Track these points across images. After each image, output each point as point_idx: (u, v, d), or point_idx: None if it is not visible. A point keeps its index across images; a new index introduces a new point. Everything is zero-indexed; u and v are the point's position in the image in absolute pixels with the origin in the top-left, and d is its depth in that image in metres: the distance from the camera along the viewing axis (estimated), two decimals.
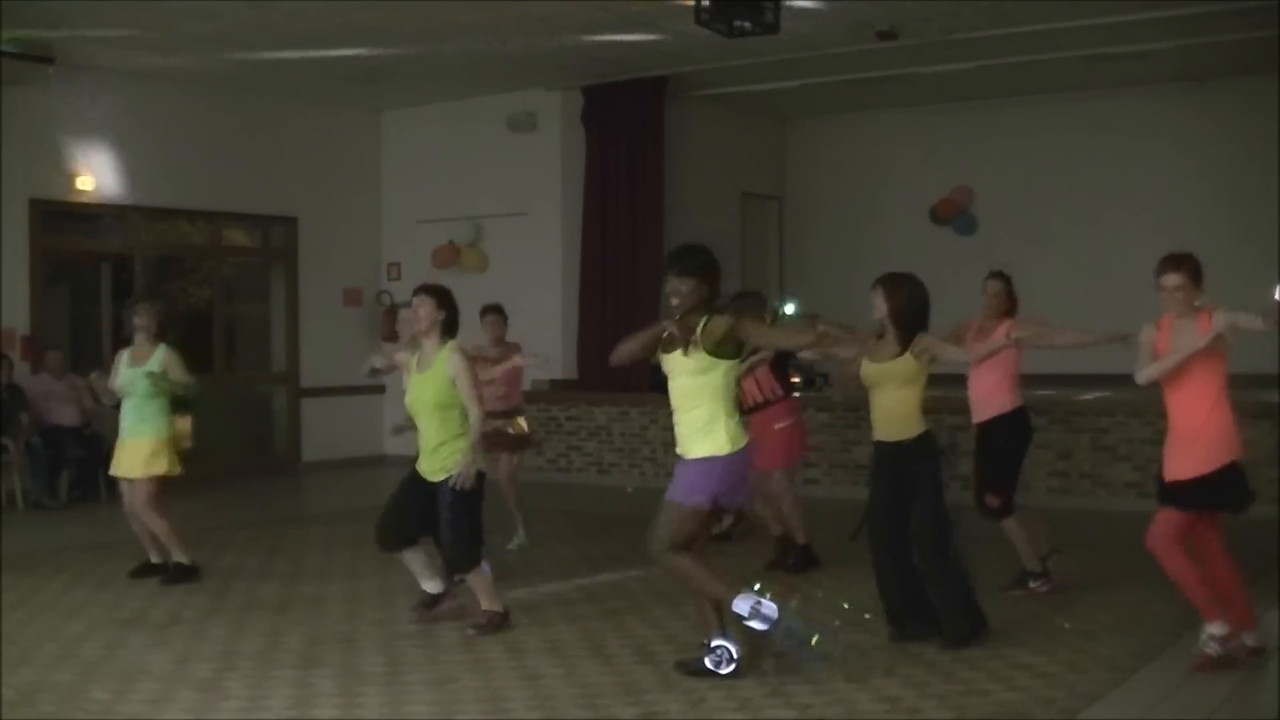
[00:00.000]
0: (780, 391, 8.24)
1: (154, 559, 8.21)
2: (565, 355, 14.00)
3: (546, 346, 11.52)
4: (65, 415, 12.01)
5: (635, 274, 13.92)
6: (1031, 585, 7.51)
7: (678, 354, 5.67)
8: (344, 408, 14.57)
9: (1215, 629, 5.76)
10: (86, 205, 12.95)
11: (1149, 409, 11.00)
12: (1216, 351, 5.74)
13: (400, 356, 6.93)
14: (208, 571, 8.35)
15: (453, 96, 14.46)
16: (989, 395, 7.52)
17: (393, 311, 14.77)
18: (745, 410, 7.49)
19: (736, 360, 5.77)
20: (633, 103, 13.93)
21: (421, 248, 14.78)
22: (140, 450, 8.02)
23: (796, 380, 13.22)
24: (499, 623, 6.64)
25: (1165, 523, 5.80)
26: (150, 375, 7.99)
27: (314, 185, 14.75)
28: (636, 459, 12.95)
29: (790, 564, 8.25)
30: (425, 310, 6.65)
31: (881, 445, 6.41)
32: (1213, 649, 5.73)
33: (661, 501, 5.73)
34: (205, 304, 14.73)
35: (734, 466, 5.66)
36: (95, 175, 12.80)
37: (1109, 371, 14.39)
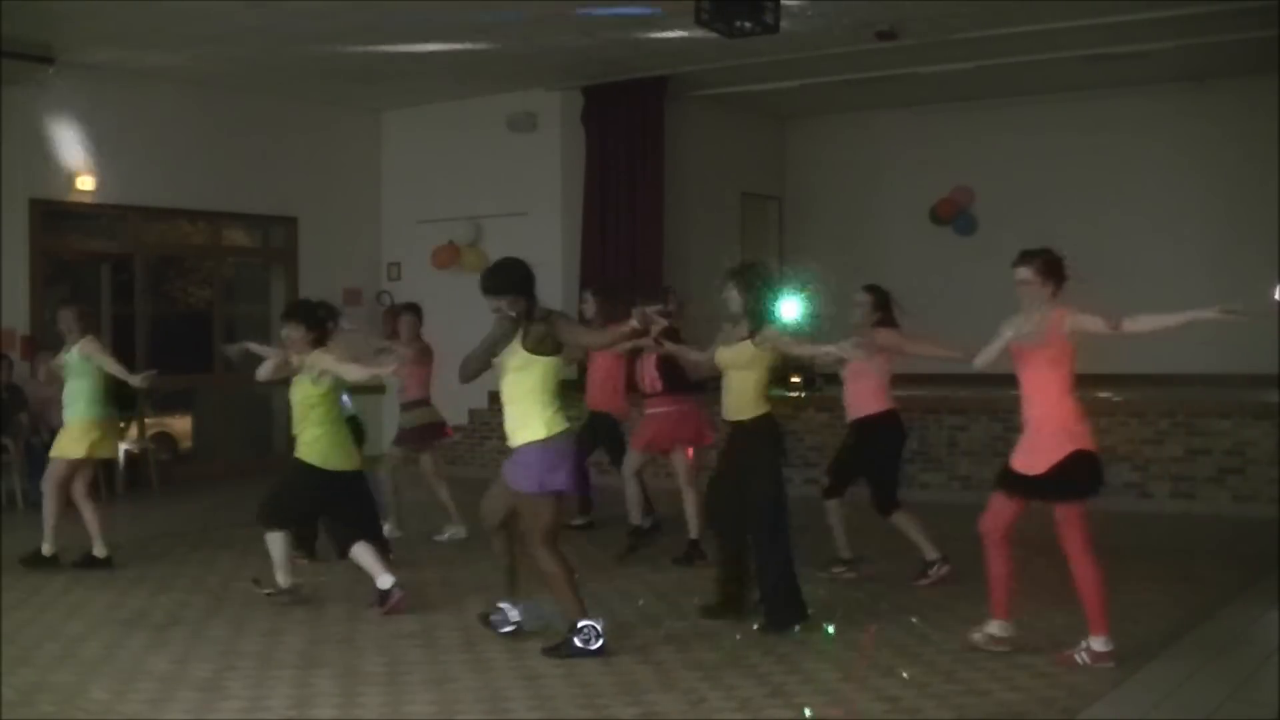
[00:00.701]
0: (660, 385, 8.59)
1: (46, 550, 8.51)
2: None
3: None
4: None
5: (635, 274, 13.90)
6: (931, 574, 7.77)
7: (504, 354, 6.21)
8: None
9: (994, 628, 6.07)
10: (86, 205, 12.95)
11: (1149, 409, 11.02)
12: (1062, 348, 5.94)
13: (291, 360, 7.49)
14: (208, 571, 8.36)
15: (453, 96, 14.46)
16: (861, 399, 7.88)
17: (393, 311, 14.73)
18: (644, 396, 8.73)
19: (556, 357, 6.24)
20: (633, 103, 13.93)
21: (421, 248, 14.78)
22: (63, 433, 8.53)
23: (795, 380, 13.32)
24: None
25: (1000, 510, 6.10)
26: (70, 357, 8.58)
27: (314, 185, 14.75)
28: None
29: (630, 546, 8.81)
30: (297, 335, 7.38)
31: (727, 424, 6.85)
32: (979, 640, 6.06)
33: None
34: (205, 304, 14.73)
35: (550, 452, 6.10)
36: (95, 175, 12.79)
37: (1109, 371, 14.46)
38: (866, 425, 7.87)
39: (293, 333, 7.38)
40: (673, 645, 6.33)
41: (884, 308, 8.01)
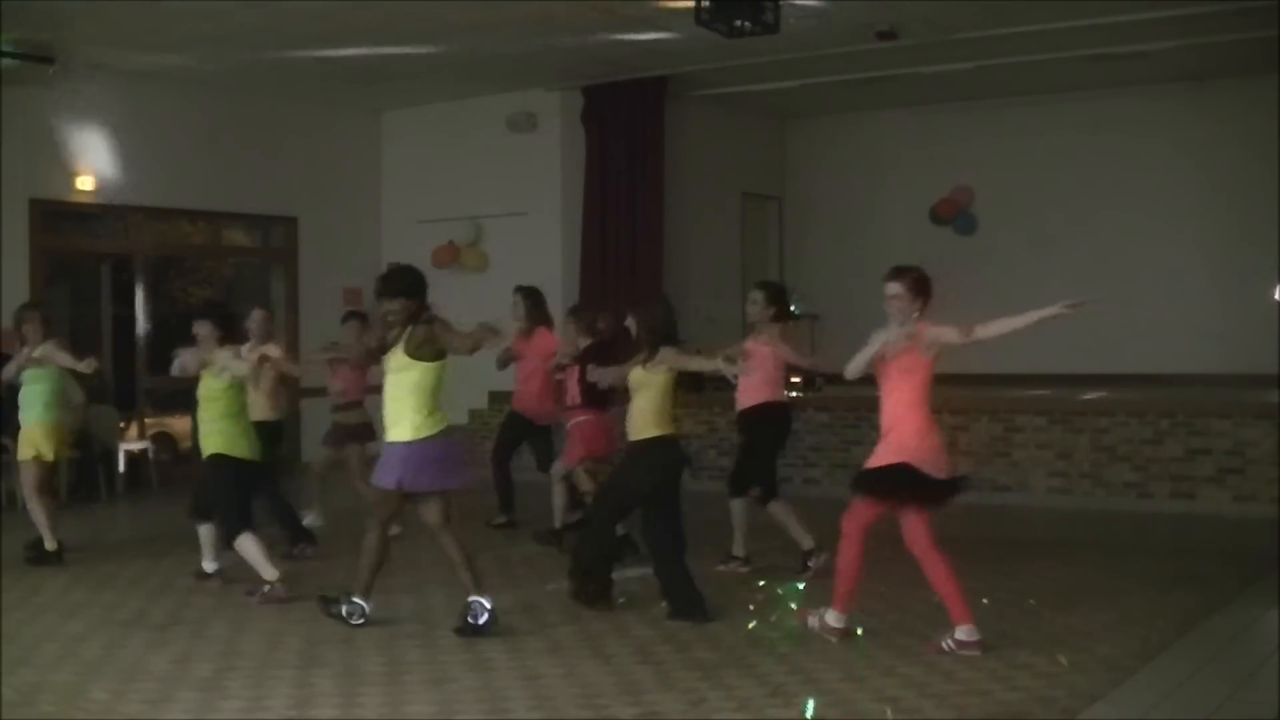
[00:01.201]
0: (579, 398, 8.91)
1: (48, 545, 8.70)
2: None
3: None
4: None
5: (635, 274, 13.91)
6: (811, 564, 8.01)
7: (389, 356, 6.67)
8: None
9: (830, 617, 6.34)
10: (86, 205, 12.94)
11: (1149, 409, 11.02)
12: (917, 360, 6.20)
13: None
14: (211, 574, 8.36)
15: (453, 96, 14.46)
16: (747, 391, 8.14)
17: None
18: (566, 408, 9.23)
19: (438, 362, 6.62)
20: (633, 103, 13.92)
21: (421, 248, 14.74)
22: (27, 436, 8.72)
23: (794, 381, 13.31)
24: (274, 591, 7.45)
25: (861, 510, 6.32)
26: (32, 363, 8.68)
27: (314, 185, 14.74)
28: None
29: (548, 536, 9.15)
30: (205, 332, 7.83)
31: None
32: (813, 626, 6.37)
33: None
34: (205, 304, 14.71)
35: (415, 453, 6.56)
36: (95, 175, 12.79)
37: (1109, 371, 14.48)
38: (745, 416, 8.21)
39: (201, 330, 7.80)
40: (672, 645, 6.33)
41: (778, 303, 8.23)
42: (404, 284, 6.73)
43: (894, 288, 6.34)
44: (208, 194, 13.78)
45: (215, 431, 7.72)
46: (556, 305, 14.10)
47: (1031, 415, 11.28)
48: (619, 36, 12.00)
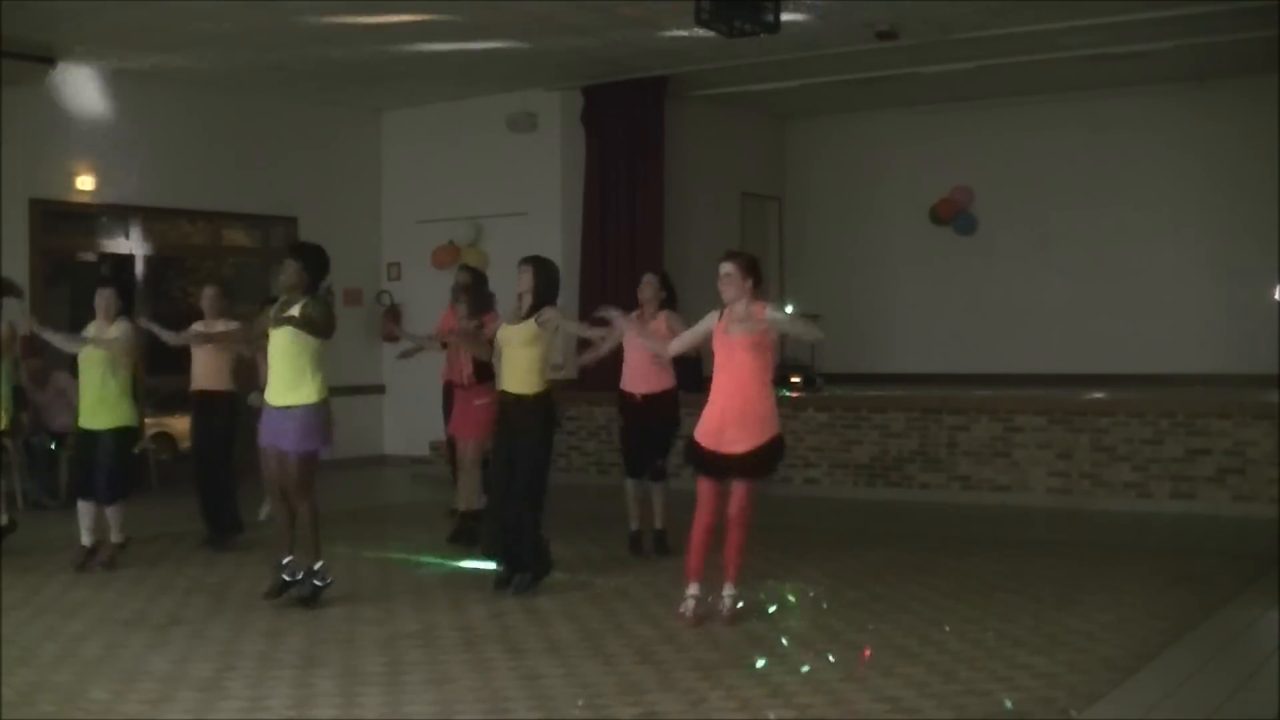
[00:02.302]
0: (472, 377, 9.39)
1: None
2: (565, 355, 13.97)
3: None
4: (56, 421, 11.97)
5: (635, 274, 13.86)
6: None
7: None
8: (343, 407, 14.42)
9: (691, 589, 6.74)
10: (86, 205, 12.95)
11: (1149, 409, 11.02)
12: (766, 337, 6.70)
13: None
14: (208, 571, 8.36)
15: (453, 96, 14.47)
16: (635, 376, 8.66)
17: (393, 311, 14.78)
18: (454, 385, 9.62)
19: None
20: (633, 103, 13.92)
21: (421, 248, 14.79)
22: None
23: (795, 380, 13.33)
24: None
25: (713, 496, 6.76)
26: None
27: (314, 185, 14.75)
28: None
29: (459, 535, 9.21)
30: (105, 302, 8.62)
31: (504, 396, 7.64)
32: (687, 606, 6.71)
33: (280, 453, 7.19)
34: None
35: (325, 413, 7.31)
36: (95, 175, 12.79)
37: (1109, 371, 14.49)
38: (652, 400, 8.65)
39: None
40: (673, 645, 6.33)
41: (668, 290, 8.88)
42: (306, 252, 7.85)
43: (725, 266, 6.81)
44: (208, 194, 13.78)
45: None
46: (557, 305, 14.15)
47: (1031, 415, 11.28)
48: (619, 36, 12.00)
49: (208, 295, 9.59)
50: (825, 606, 7.05)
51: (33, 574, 8.33)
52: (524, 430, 7.49)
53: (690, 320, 7.54)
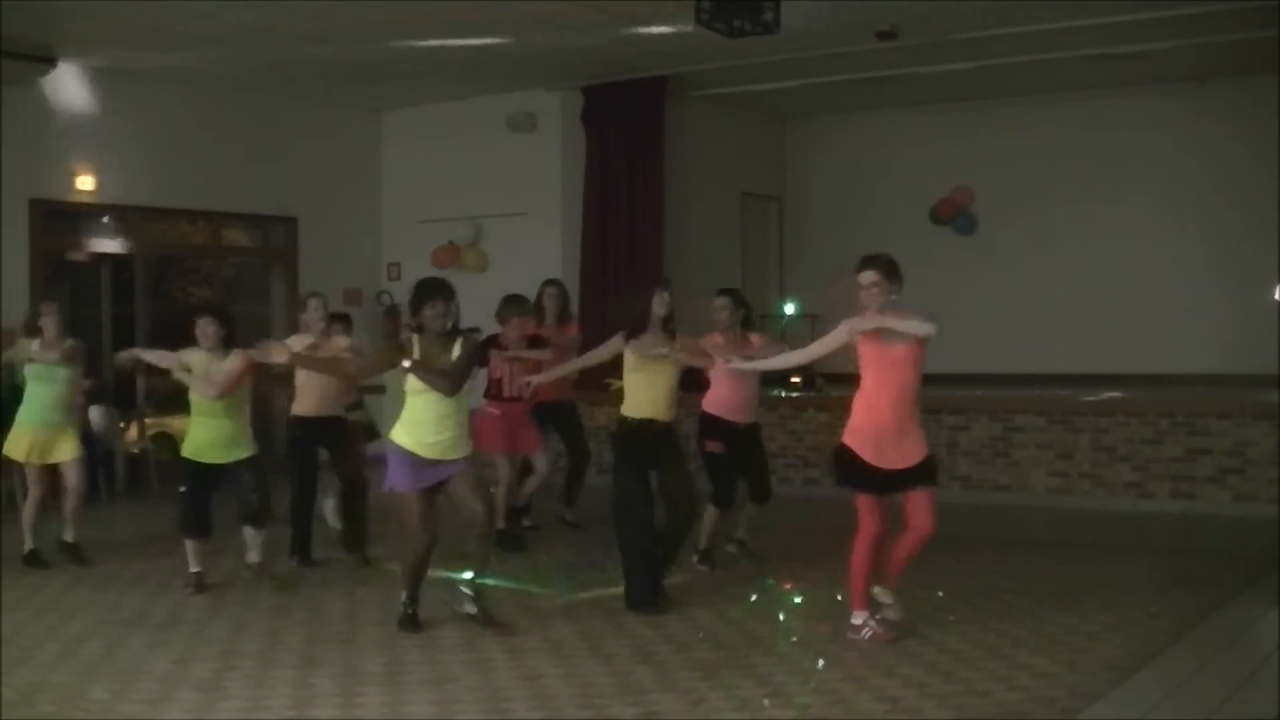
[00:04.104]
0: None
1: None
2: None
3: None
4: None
5: (635, 274, 13.90)
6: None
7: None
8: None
9: (861, 617, 6.39)
10: (86, 205, 12.94)
11: (1149, 409, 11.03)
12: (922, 355, 6.36)
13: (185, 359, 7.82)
14: (208, 571, 8.35)
15: (453, 96, 14.46)
16: (746, 402, 8.36)
17: (394, 311, 14.78)
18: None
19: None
20: (633, 103, 13.92)
21: (421, 248, 14.78)
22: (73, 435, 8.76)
23: (795, 380, 13.33)
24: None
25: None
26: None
27: (314, 185, 14.75)
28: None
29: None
30: (211, 329, 7.77)
31: (648, 425, 7.24)
32: (872, 627, 6.35)
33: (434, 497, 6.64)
34: (205, 304, 14.71)
35: None
36: (95, 175, 12.79)
37: (1109, 371, 14.49)
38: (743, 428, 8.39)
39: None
40: (672, 645, 6.33)
41: (746, 308, 8.43)
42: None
43: (871, 275, 6.34)
44: (208, 194, 13.78)
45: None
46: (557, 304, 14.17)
47: (1031, 415, 11.28)
48: (619, 36, 12.00)
49: (311, 305, 8.82)
50: (831, 606, 7.05)
51: (33, 574, 8.33)
52: (676, 461, 7.26)
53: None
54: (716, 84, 14.33)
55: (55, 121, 12.42)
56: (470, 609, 6.73)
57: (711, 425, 8.23)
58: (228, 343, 7.84)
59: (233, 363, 7.76)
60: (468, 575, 6.76)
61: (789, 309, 15.09)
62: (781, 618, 6.86)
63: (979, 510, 10.91)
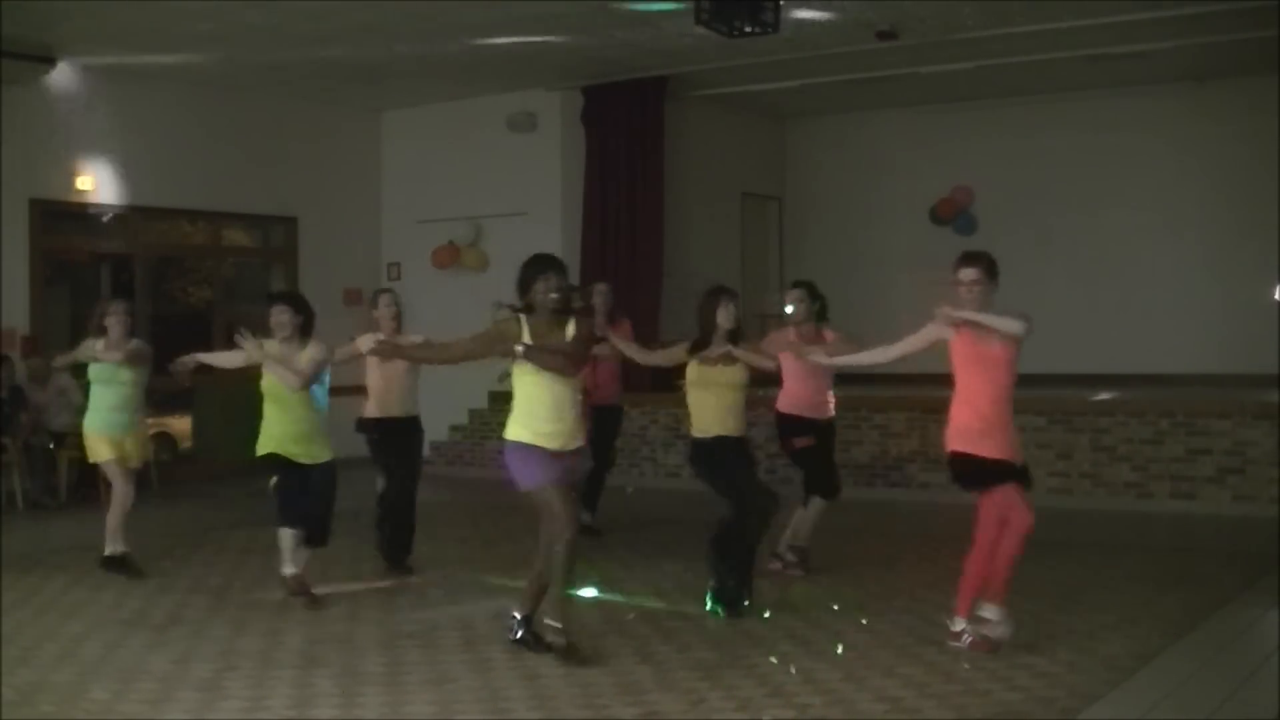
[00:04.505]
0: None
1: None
2: None
3: None
4: (55, 421, 11.97)
5: (635, 274, 13.92)
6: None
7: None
8: (344, 408, 14.50)
9: (962, 624, 6.15)
10: (86, 205, 12.95)
11: (1149, 409, 11.03)
12: (1017, 356, 6.22)
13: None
14: (208, 571, 8.37)
15: (453, 96, 14.46)
16: (825, 398, 8.17)
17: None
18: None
19: None
20: (633, 103, 13.92)
21: (421, 248, 14.78)
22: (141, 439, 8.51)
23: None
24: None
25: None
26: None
27: (314, 185, 14.75)
28: (636, 459, 12.92)
29: None
30: (286, 318, 7.28)
31: (724, 440, 7.01)
32: (977, 633, 6.10)
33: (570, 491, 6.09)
34: (205, 304, 14.73)
35: None
36: (95, 175, 12.80)
37: (1109, 371, 14.48)
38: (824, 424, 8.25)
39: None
40: (673, 645, 6.33)
41: (819, 300, 8.30)
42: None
43: (973, 272, 6.29)
44: (208, 194, 13.79)
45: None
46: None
47: (1031, 415, 11.27)
48: (619, 36, 12.00)
49: (383, 302, 8.50)
50: (832, 606, 7.05)
51: (33, 574, 8.33)
52: (750, 467, 7.10)
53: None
54: (716, 84, 14.33)
55: (55, 121, 12.42)
56: (558, 640, 6.05)
57: (792, 424, 8.02)
58: (304, 331, 7.35)
59: (316, 351, 7.30)
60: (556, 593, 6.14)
61: (789, 309, 15.06)
62: (782, 618, 6.84)
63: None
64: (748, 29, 9.69)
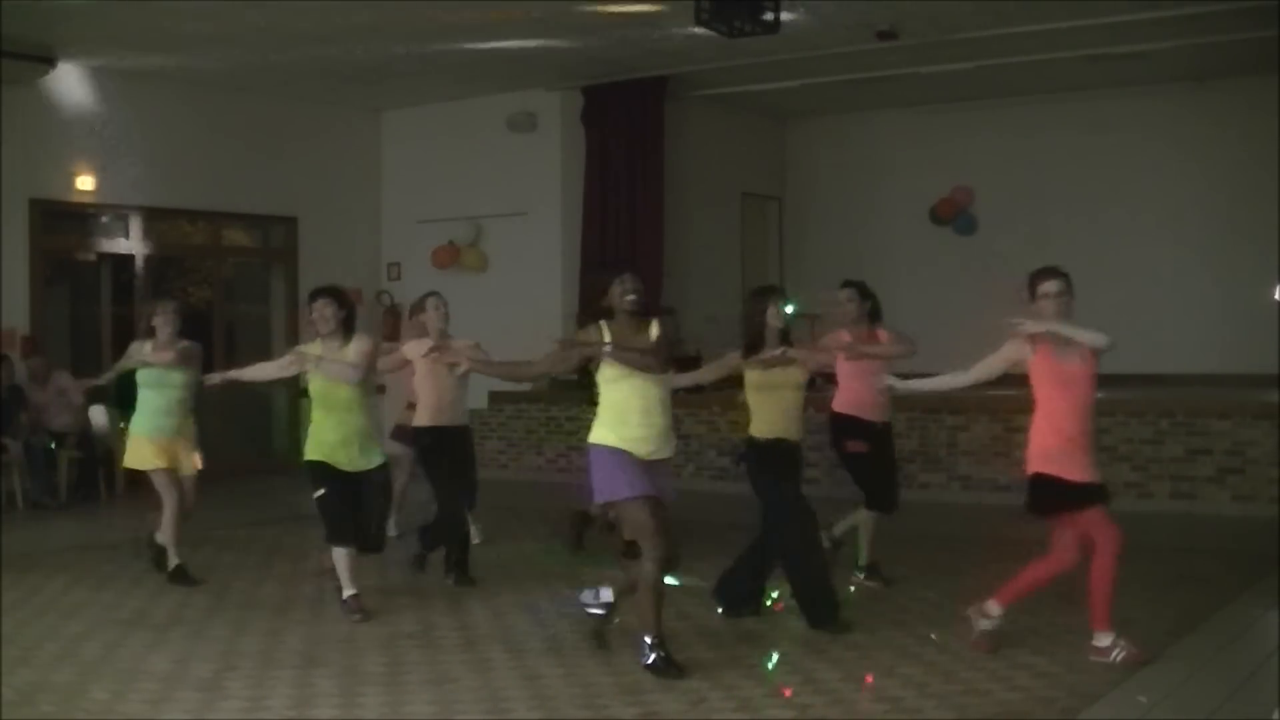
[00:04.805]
0: None
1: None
2: None
3: (547, 347, 11.50)
4: (55, 421, 11.98)
5: (635, 274, 13.88)
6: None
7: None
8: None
9: (1106, 639, 5.98)
10: (86, 205, 12.95)
11: (1149, 409, 11.02)
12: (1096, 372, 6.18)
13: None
14: (208, 571, 8.36)
15: (453, 96, 14.46)
16: (879, 400, 7.80)
17: (394, 311, 14.78)
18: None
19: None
20: (633, 103, 13.92)
21: (421, 248, 14.78)
22: (190, 444, 8.18)
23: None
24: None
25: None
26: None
27: (314, 185, 14.75)
28: None
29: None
30: (330, 312, 6.95)
31: (784, 444, 6.77)
32: (1122, 649, 5.94)
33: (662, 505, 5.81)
34: (205, 304, 14.73)
35: None
36: (95, 175, 12.80)
37: (1109, 371, 14.45)
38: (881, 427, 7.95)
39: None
40: (673, 645, 6.31)
41: (871, 299, 8.02)
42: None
43: (1058, 285, 6.21)
44: (208, 194, 13.79)
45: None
46: (555, 306, 14.18)
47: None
48: (619, 36, 12.00)
49: (430, 305, 8.21)
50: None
51: (33, 574, 8.33)
52: (799, 477, 6.88)
53: None
54: (716, 84, 14.33)
55: (55, 121, 12.43)
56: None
57: (848, 425, 7.75)
58: (347, 326, 7.01)
59: (364, 344, 6.98)
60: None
61: (789, 309, 15.06)
62: (782, 617, 6.84)
63: (979, 510, 10.90)
64: (748, 29, 9.69)
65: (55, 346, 12.91)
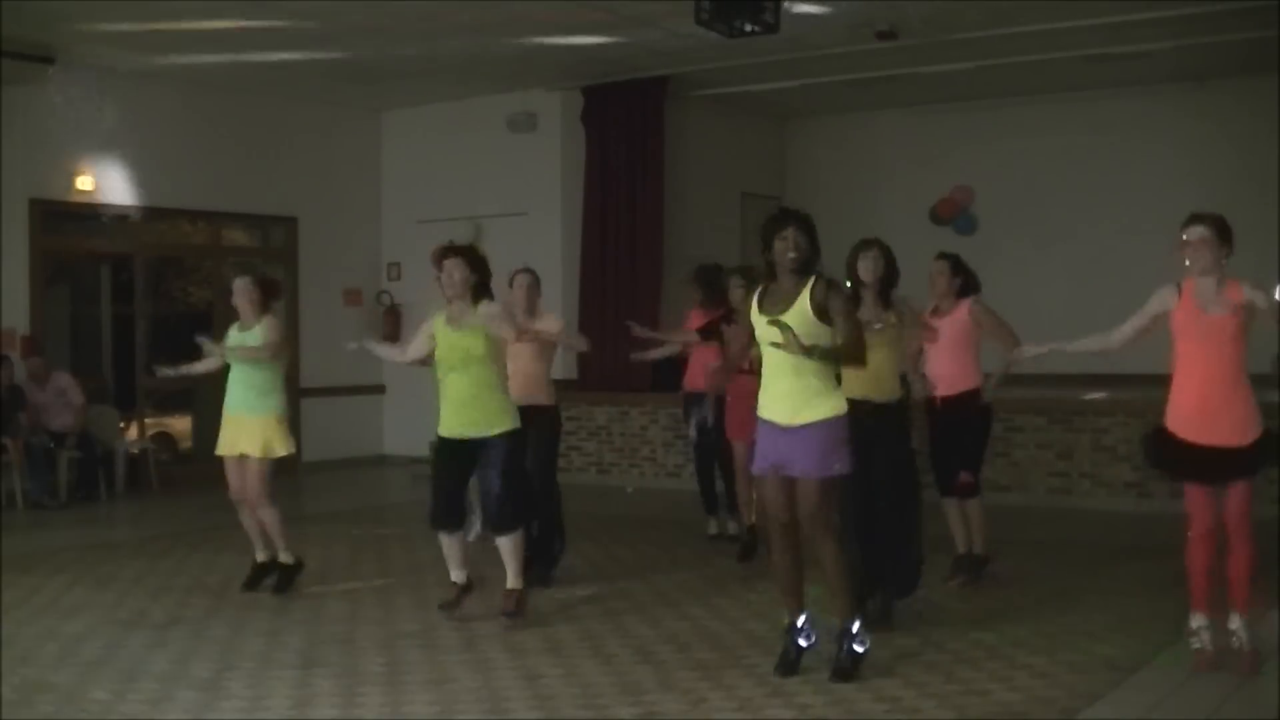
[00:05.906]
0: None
1: (261, 557, 7.69)
2: (565, 355, 13.98)
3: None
4: (55, 421, 11.98)
5: (635, 274, 13.92)
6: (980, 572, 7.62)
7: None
8: (344, 408, 14.55)
9: (1200, 619, 5.76)
10: (86, 205, 12.95)
11: (1149, 409, 10.99)
12: (1245, 326, 6.01)
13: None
14: (208, 571, 8.37)
15: (453, 96, 14.46)
16: (942, 373, 7.57)
17: (393, 311, 14.78)
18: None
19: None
20: (633, 103, 13.92)
21: (421, 248, 14.74)
22: (258, 427, 7.60)
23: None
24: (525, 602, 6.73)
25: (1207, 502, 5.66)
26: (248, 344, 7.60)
27: (314, 185, 14.75)
28: (636, 459, 12.94)
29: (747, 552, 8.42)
30: (459, 275, 6.48)
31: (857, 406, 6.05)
32: (1203, 640, 5.72)
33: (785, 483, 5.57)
34: (205, 304, 14.73)
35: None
36: (95, 175, 12.80)
37: (1109, 371, 14.45)
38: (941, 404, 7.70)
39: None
40: (672, 645, 6.33)
41: (965, 274, 7.92)
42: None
43: (1201, 230, 5.86)
44: (208, 194, 13.79)
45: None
46: (555, 306, 14.17)
47: (1031, 415, 11.28)
48: (619, 36, 12.00)
49: (518, 281, 7.88)
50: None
51: (33, 574, 8.33)
52: (895, 446, 6.43)
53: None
54: (716, 84, 14.32)
55: (55, 121, 12.41)
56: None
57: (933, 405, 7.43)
58: (479, 292, 6.49)
59: (497, 307, 6.45)
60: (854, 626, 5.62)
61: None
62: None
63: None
64: (748, 29, 9.69)
65: (55, 346, 12.92)
